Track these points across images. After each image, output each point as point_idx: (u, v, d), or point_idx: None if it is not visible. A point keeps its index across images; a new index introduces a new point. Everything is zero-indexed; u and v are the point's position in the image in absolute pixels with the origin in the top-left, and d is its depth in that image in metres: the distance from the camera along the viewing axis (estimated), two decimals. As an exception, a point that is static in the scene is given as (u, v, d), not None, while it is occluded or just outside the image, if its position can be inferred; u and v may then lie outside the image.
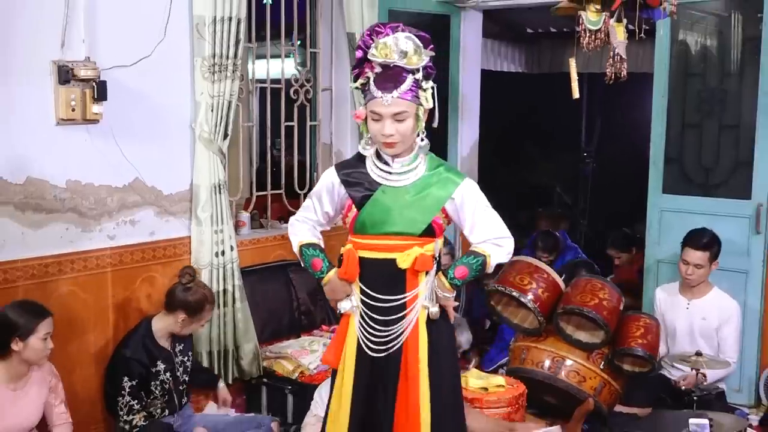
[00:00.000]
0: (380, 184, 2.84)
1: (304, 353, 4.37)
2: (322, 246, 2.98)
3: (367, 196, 2.84)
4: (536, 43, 9.03)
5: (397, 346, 2.83)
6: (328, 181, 2.93)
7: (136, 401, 3.63)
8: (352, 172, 2.90)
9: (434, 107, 2.82)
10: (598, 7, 3.79)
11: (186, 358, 3.90)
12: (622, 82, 3.93)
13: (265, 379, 4.40)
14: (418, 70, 2.75)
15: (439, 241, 2.91)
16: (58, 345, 3.41)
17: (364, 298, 2.85)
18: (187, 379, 3.91)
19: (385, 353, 2.83)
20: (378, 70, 2.78)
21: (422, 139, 2.82)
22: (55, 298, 3.69)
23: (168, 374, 3.76)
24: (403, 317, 2.83)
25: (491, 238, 2.84)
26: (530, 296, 4.22)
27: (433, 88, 2.82)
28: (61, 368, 3.51)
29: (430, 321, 2.85)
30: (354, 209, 2.86)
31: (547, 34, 8.67)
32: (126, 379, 3.60)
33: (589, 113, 8.64)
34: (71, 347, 3.76)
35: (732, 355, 4.35)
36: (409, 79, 2.73)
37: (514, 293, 4.24)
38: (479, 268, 2.81)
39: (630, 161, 6.83)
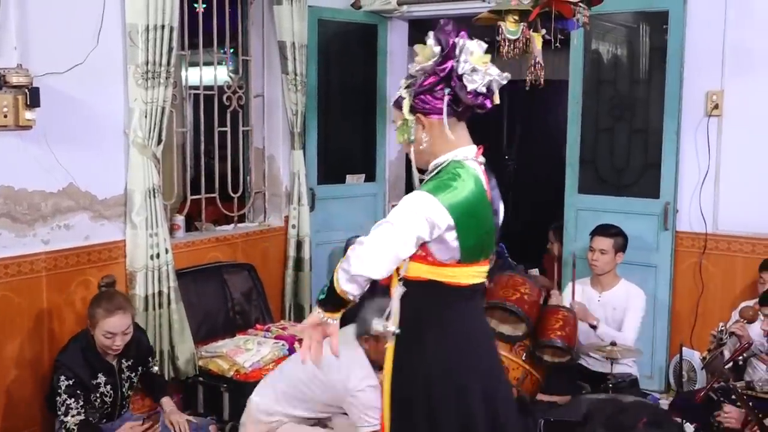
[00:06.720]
0: None
1: (239, 352, 4.41)
2: None
3: None
4: (458, 50, 9.23)
5: None
6: None
7: (74, 400, 3.51)
8: None
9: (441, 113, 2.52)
10: (517, 18, 3.92)
11: (134, 374, 3.82)
12: (539, 89, 4.00)
13: (201, 378, 4.43)
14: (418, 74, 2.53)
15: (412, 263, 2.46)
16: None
17: None
18: (131, 393, 3.86)
19: None
20: None
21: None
22: (-11, 303, 3.68)
23: (109, 387, 3.68)
24: None
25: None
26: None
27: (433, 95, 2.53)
28: (-3, 371, 3.50)
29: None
30: None
31: (469, 41, 8.89)
32: (63, 378, 3.52)
33: (509, 118, 8.88)
34: (6, 351, 3.76)
35: (630, 335, 4.42)
36: (403, 85, 2.58)
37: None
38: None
39: (548, 163, 7.05)
